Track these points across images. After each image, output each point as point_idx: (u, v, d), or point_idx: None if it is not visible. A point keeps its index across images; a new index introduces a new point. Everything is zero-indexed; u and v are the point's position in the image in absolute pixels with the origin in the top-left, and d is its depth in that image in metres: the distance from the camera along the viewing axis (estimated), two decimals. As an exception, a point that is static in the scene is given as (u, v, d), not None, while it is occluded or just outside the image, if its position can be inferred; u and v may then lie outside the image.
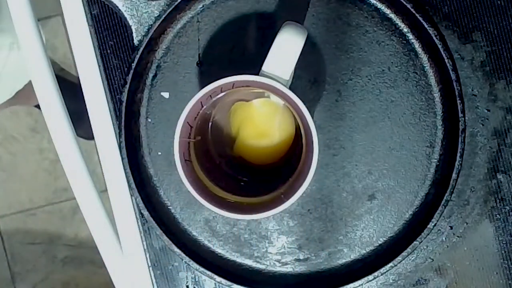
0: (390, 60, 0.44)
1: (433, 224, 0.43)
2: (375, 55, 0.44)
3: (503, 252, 0.45)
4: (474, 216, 0.45)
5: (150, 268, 0.46)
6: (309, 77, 0.44)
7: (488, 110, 0.45)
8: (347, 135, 0.45)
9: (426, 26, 0.43)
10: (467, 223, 0.45)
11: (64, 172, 0.44)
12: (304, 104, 0.36)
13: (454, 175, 0.43)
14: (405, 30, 0.44)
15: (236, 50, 0.44)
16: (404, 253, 0.44)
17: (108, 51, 0.45)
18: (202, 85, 0.37)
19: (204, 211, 0.45)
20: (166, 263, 0.46)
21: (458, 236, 0.45)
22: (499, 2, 0.44)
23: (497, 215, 0.45)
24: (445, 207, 0.44)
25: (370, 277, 0.44)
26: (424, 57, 0.44)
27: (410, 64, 0.44)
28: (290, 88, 0.37)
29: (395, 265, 0.44)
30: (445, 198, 0.43)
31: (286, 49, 0.38)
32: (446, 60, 0.43)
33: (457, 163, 0.43)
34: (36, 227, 1.20)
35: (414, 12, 0.43)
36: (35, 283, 1.20)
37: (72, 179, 0.44)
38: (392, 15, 0.44)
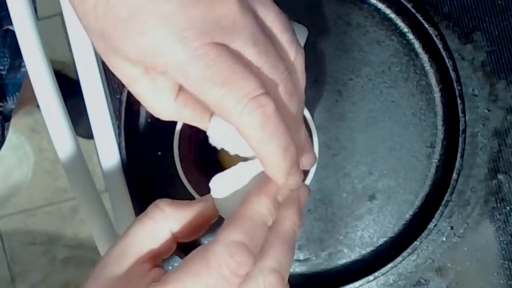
0: (390, 60, 0.44)
1: (433, 225, 0.43)
2: (375, 55, 0.44)
3: (503, 252, 0.45)
4: (475, 217, 0.45)
5: (150, 269, 0.46)
6: (309, 77, 0.44)
7: (489, 110, 0.45)
8: (348, 135, 0.45)
9: (426, 26, 0.43)
10: (467, 224, 0.45)
11: (64, 172, 0.44)
12: (304, 104, 0.36)
13: (454, 176, 0.43)
14: (406, 30, 0.44)
15: (236, 50, 0.44)
16: (405, 254, 0.43)
17: (108, 51, 0.45)
18: (202, 85, 0.36)
19: (204, 211, 0.45)
20: (166, 263, 0.46)
21: (458, 237, 0.45)
22: (499, 2, 0.44)
23: (498, 216, 0.45)
24: (445, 208, 0.43)
25: (371, 277, 0.44)
26: (424, 57, 0.44)
27: (410, 64, 0.44)
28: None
29: (396, 266, 0.44)
30: (445, 198, 0.43)
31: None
32: (447, 60, 0.43)
33: (457, 163, 0.43)
34: (36, 227, 1.20)
35: (414, 12, 0.43)
36: (35, 283, 1.20)
37: (72, 179, 0.44)
38: (392, 15, 0.44)
